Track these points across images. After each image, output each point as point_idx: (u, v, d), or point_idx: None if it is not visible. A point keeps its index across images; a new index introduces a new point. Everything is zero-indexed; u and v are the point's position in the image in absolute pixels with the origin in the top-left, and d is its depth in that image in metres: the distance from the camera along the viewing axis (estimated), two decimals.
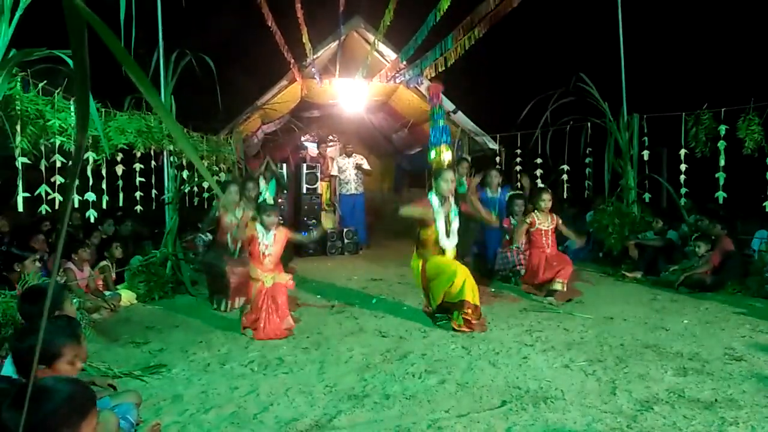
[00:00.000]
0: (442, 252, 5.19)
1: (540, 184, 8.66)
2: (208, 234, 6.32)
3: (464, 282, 5.03)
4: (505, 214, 7.41)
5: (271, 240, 5.24)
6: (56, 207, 5.19)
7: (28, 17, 4.44)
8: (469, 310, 5.00)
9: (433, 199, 5.17)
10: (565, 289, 6.15)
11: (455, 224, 5.19)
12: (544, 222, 6.33)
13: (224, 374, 4.09)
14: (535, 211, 6.39)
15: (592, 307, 5.93)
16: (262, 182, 8.46)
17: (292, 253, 8.40)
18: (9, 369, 2.74)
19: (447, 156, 5.54)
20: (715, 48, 11.51)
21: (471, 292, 5.01)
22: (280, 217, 6.67)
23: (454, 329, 5.05)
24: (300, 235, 5.41)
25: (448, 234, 5.15)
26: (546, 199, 6.31)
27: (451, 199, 5.21)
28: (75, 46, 0.85)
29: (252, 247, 5.23)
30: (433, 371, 4.04)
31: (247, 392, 3.72)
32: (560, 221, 6.50)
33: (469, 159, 8.88)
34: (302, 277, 7.74)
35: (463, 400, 3.53)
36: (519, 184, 8.29)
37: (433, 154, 5.63)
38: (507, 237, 7.30)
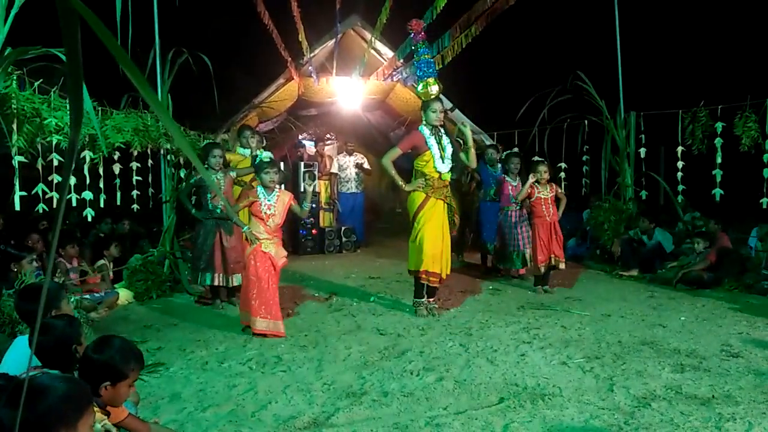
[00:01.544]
0: (439, 174, 5.46)
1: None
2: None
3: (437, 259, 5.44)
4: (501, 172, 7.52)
5: (273, 200, 5.07)
6: (53, 206, 5.18)
7: (23, 15, 4.43)
8: (434, 279, 5.48)
9: (424, 129, 5.49)
10: (562, 266, 6.57)
11: (448, 150, 5.51)
12: (544, 191, 6.52)
13: (222, 372, 4.09)
14: (535, 182, 6.53)
15: (590, 304, 5.94)
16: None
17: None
18: (6, 365, 2.74)
19: (434, 89, 5.67)
20: (712, 46, 11.53)
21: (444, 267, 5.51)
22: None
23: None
24: (299, 208, 5.25)
25: (443, 159, 5.46)
26: (542, 171, 6.48)
27: (442, 130, 5.56)
28: (67, 39, 0.84)
29: (253, 208, 5.07)
30: (431, 369, 4.05)
31: (245, 390, 3.72)
32: (560, 190, 6.74)
33: (461, 141, 8.88)
34: (300, 275, 7.74)
35: (461, 397, 3.53)
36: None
37: (420, 87, 5.73)
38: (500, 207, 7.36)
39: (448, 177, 5.56)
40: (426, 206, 5.44)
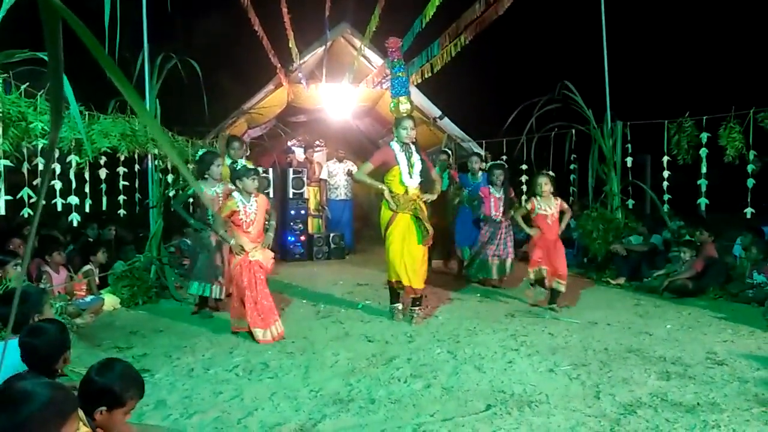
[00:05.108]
0: (405, 189, 5.55)
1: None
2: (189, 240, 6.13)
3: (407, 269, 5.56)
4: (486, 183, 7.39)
5: (254, 207, 5.10)
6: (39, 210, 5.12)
7: (10, 19, 4.39)
8: (401, 287, 5.63)
9: (394, 146, 5.63)
10: (564, 289, 6.08)
11: (417, 167, 5.61)
12: (544, 206, 6.07)
13: (208, 379, 4.05)
14: (535, 196, 6.14)
15: (577, 311, 5.96)
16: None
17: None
18: None
19: (405, 107, 5.93)
20: (697, 57, 11.69)
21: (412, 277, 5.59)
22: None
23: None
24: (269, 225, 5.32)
25: (410, 175, 5.55)
26: (542, 183, 6.07)
27: (413, 147, 5.66)
28: (49, 38, 0.84)
29: (234, 218, 5.08)
30: (418, 375, 4.04)
31: (231, 397, 3.70)
32: (566, 205, 6.25)
33: (449, 152, 8.93)
34: (287, 282, 7.71)
35: (448, 404, 3.53)
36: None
37: (392, 104, 5.92)
38: (479, 215, 7.31)
39: (416, 192, 5.60)
40: (394, 223, 5.56)
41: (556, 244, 6.10)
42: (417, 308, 5.70)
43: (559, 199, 6.21)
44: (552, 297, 6.10)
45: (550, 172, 6.51)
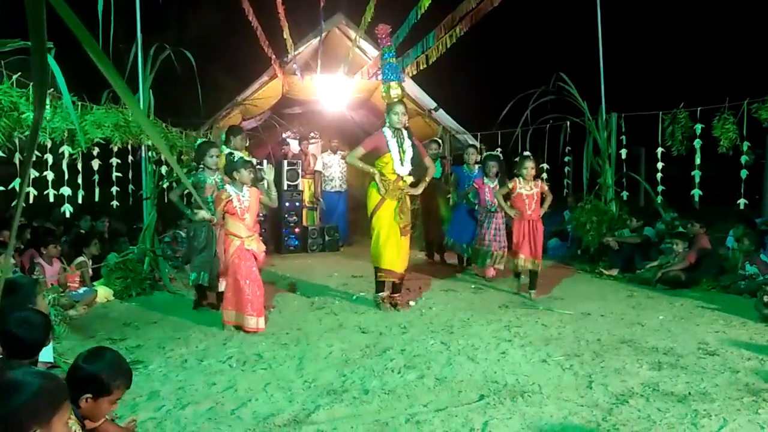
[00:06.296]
0: (397, 176, 5.59)
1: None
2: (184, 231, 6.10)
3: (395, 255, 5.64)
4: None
5: (247, 196, 5.09)
6: (31, 201, 5.10)
7: (1, 8, 4.36)
8: (391, 276, 5.68)
9: (386, 131, 5.65)
10: (539, 269, 6.30)
11: (409, 153, 5.64)
12: (525, 187, 6.27)
13: (202, 370, 4.06)
14: (518, 177, 6.32)
15: (570, 303, 5.98)
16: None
17: None
18: None
19: (396, 92, 5.93)
20: (692, 48, 11.69)
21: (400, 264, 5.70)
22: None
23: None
24: (267, 198, 5.32)
25: (402, 162, 5.59)
26: (528, 167, 6.27)
27: (404, 132, 5.68)
28: (31, 12, 0.83)
29: (228, 207, 5.05)
30: (412, 366, 4.05)
31: (225, 388, 3.70)
32: (546, 188, 6.47)
33: (440, 141, 8.91)
34: (282, 273, 7.71)
35: (441, 394, 3.55)
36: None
37: (383, 90, 6.03)
38: (472, 201, 7.37)
39: (408, 180, 5.67)
40: (381, 207, 5.61)
41: (536, 225, 6.27)
42: (397, 295, 5.79)
43: (541, 182, 6.45)
44: (531, 282, 6.29)
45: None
